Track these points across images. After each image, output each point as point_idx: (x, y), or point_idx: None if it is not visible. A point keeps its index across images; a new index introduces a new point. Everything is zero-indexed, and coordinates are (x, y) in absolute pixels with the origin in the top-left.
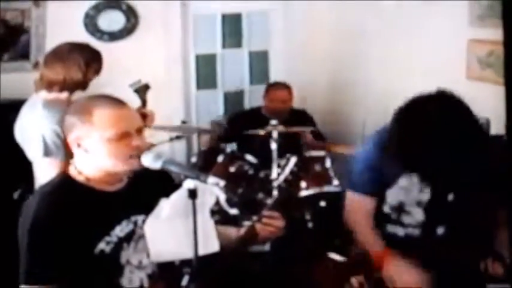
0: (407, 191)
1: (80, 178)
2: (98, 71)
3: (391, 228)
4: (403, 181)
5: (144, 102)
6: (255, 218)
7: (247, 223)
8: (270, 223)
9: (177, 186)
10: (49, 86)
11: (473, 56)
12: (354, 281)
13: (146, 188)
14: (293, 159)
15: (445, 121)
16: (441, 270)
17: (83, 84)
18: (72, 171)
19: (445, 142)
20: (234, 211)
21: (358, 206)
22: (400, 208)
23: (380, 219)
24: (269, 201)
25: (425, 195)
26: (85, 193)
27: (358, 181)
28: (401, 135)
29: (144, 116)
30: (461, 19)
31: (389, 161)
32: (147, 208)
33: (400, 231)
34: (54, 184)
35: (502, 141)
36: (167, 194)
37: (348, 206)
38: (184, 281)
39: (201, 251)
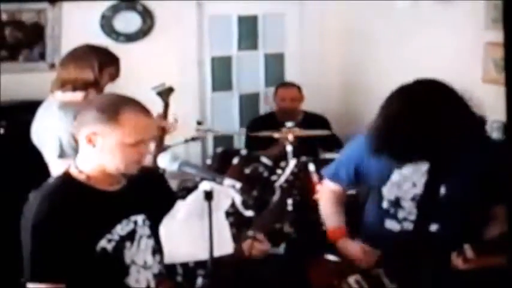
0: (401, 186)
1: (81, 177)
2: (113, 76)
3: (389, 224)
4: (395, 176)
5: (166, 105)
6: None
7: None
8: (254, 246)
9: (172, 191)
10: (62, 85)
11: (489, 59)
12: (351, 280)
13: (144, 189)
14: (293, 161)
15: (435, 106)
16: (435, 266)
17: (95, 86)
18: (73, 170)
19: (436, 124)
20: (249, 213)
21: (326, 188)
22: (397, 203)
23: (379, 215)
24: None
25: (419, 190)
26: (85, 192)
27: (334, 169)
28: (391, 121)
29: (164, 129)
30: (477, 22)
31: (381, 152)
32: (146, 208)
33: (395, 226)
34: (55, 183)
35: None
36: (163, 196)
37: (320, 189)
38: (199, 282)
39: (216, 253)
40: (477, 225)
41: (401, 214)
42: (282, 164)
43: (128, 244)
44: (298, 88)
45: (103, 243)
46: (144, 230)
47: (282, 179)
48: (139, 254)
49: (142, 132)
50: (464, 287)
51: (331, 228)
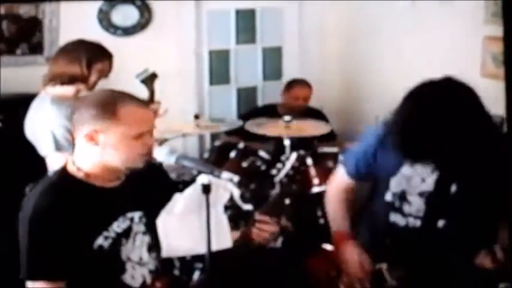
0: (410, 180)
1: (79, 174)
2: (103, 71)
3: (393, 217)
4: (406, 169)
5: (152, 93)
6: (248, 222)
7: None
8: (262, 228)
9: (173, 182)
10: (51, 79)
11: (488, 54)
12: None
13: (143, 185)
14: (294, 155)
15: (451, 107)
16: (440, 262)
17: (82, 80)
18: (71, 167)
19: (450, 128)
20: (247, 207)
21: (338, 182)
22: (402, 197)
23: (383, 207)
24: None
25: (428, 186)
26: (83, 189)
27: (349, 160)
28: (406, 120)
29: (155, 112)
30: (476, 16)
31: (393, 148)
32: (143, 205)
33: (401, 221)
34: (53, 180)
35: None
36: (163, 190)
37: (332, 179)
38: (195, 276)
39: (214, 247)
40: (486, 223)
41: (407, 209)
42: (281, 157)
43: (123, 241)
44: (309, 86)
45: (100, 240)
46: (139, 227)
47: (282, 173)
48: (134, 250)
49: (143, 123)
50: (467, 283)
51: (336, 231)
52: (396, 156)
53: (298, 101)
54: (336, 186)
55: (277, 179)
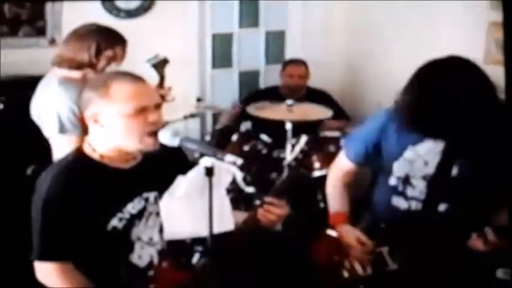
0: (413, 164)
1: (94, 155)
2: (114, 58)
3: (396, 201)
4: (408, 153)
5: (162, 78)
6: (257, 203)
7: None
8: (271, 210)
9: (191, 163)
10: (60, 62)
11: (492, 40)
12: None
13: (160, 165)
14: (304, 138)
15: (459, 83)
16: (440, 246)
17: (90, 67)
18: (86, 149)
19: (458, 104)
20: (250, 189)
21: (339, 166)
22: (406, 180)
23: (387, 191)
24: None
25: (430, 169)
26: (98, 170)
27: (349, 145)
28: (418, 98)
29: (163, 97)
30: (481, 2)
31: (406, 127)
32: (160, 185)
33: (402, 204)
34: (68, 161)
35: None
36: (181, 172)
37: (333, 163)
38: (195, 259)
39: (216, 229)
40: (486, 208)
41: (410, 192)
42: (283, 141)
43: (136, 221)
44: (306, 65)
45: (114, 221)
46: (154, 208)
47: (292, 156)
48: (146, 230)
49: (136, 99)
50: (468, 268)
51: (333, 212)
52: (400, 141)
53: (293, 79)
54: (336, 170)
55: (285, 163)
